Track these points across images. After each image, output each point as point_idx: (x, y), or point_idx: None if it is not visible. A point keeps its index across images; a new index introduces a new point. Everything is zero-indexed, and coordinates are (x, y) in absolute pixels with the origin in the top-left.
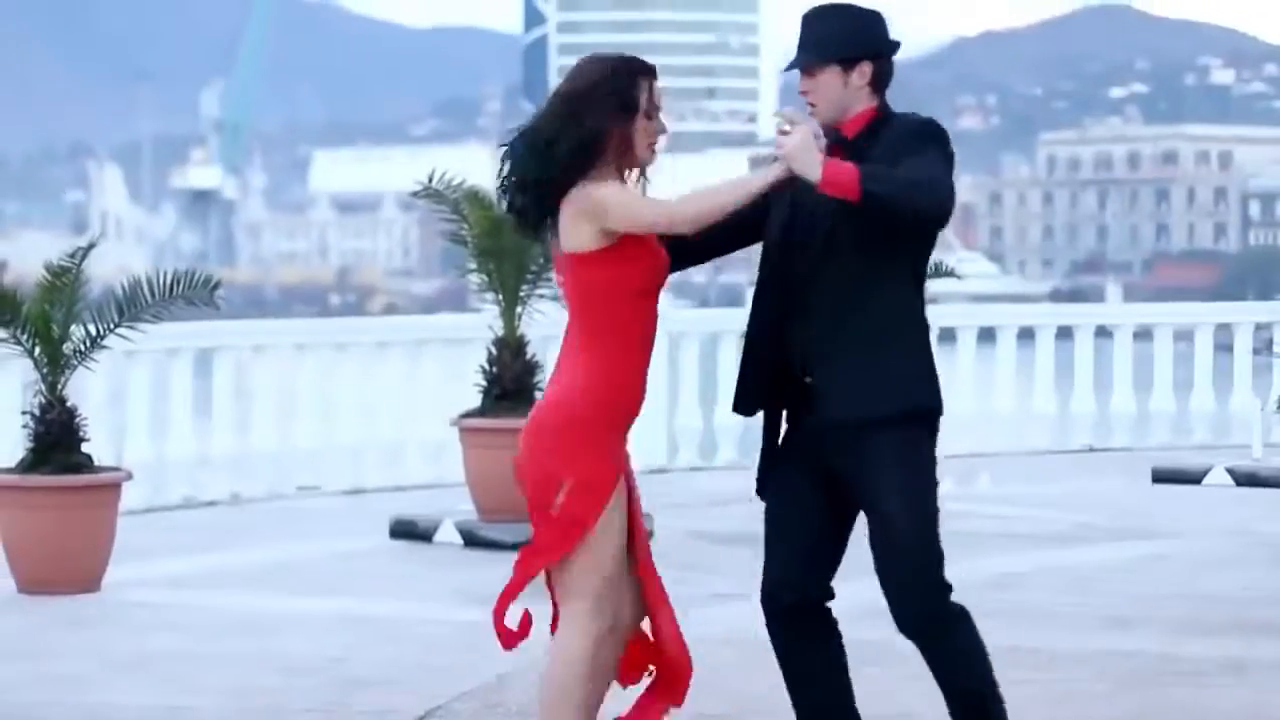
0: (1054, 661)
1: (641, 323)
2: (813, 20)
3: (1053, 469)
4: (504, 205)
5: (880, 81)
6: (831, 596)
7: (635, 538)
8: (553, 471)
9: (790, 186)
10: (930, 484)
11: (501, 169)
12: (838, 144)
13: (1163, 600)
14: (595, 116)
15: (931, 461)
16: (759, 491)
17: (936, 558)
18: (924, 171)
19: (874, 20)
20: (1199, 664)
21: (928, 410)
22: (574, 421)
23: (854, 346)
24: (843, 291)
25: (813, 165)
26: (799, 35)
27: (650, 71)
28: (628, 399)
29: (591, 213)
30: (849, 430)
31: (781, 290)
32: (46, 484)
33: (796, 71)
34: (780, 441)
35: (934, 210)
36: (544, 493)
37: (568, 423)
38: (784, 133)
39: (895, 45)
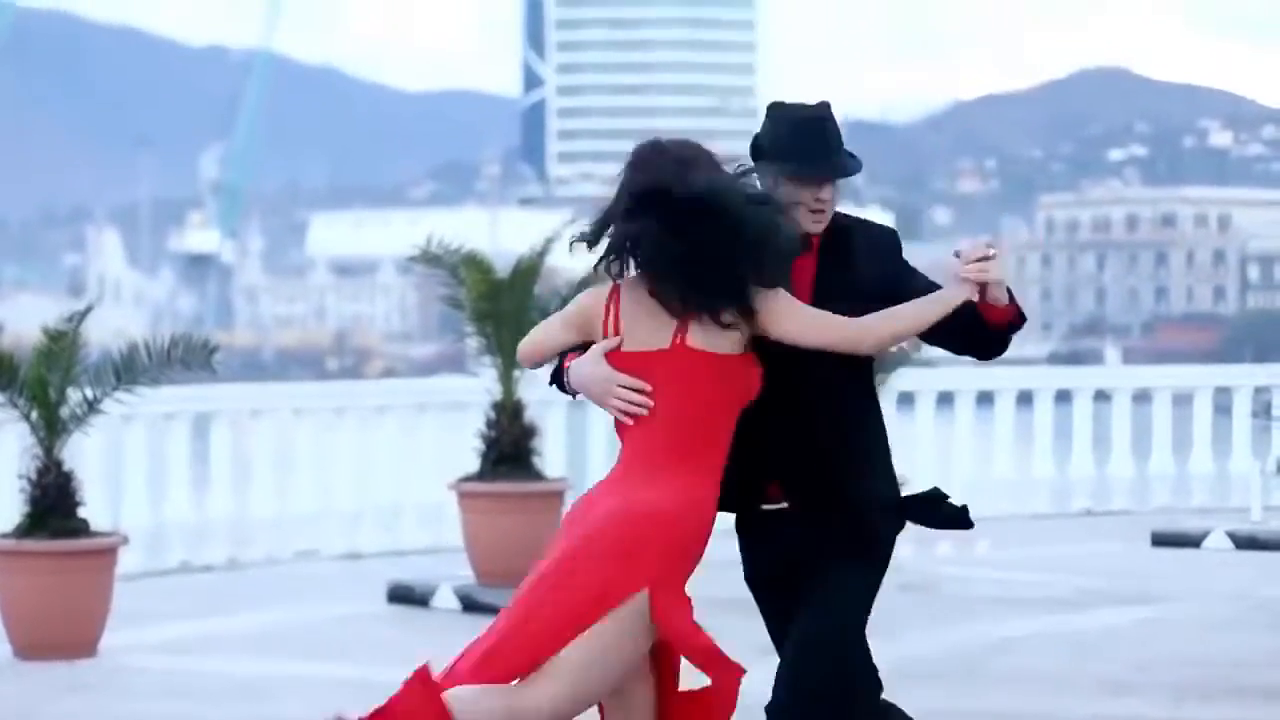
0: None
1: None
2: (827, 124)
3: (1052, 532)
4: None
5: None
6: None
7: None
8: (634, 576)
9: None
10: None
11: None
12: (810, 252)
13: (1162, 664)
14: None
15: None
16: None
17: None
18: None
19: None
20: None
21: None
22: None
23: (866, 453)
24: (845, 398)
25: (1004, 293)
26: (828, 142)
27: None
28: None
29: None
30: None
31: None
32: (43, 548)
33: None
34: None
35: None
36: (611, 590)
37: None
38: (988, 257)
39: None
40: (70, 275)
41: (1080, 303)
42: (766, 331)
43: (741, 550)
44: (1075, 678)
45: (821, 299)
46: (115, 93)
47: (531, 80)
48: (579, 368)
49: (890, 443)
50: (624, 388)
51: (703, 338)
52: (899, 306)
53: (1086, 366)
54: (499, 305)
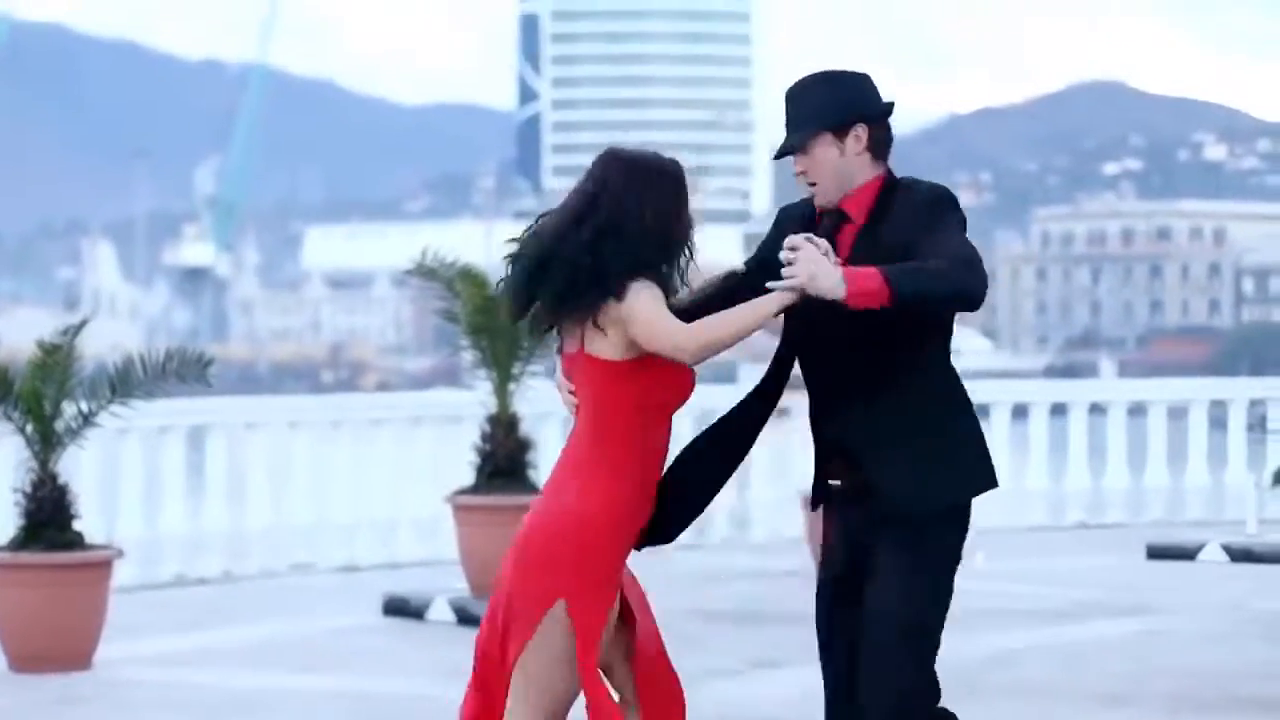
0: None
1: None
2: (797, 96)
3: (1047, 545)
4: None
5: (879, 146)
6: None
7: (632, 627)
8: (550, 588)
9: (801, 299)
10: (945, 579)
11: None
12: (845, 228)
13: (1157, 676)
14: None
15: (954, 555)
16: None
17: (927, 658)
18: (949, 248)
19: (861, 82)
20: None
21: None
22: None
23: (903, 436)
24: (882, 381)
25: (835, 284)
26: (786, 117)
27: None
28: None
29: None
30: (899, 522)
31: (818, 387)
32: (38, 561)
33: (774, 151)
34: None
35: (974, 290)
36: (533, 605)
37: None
38: (789, 262)
39: (889, 106)
40: (65, 288)
41: (1075, 316)
42: (634, 337)
43: (822, 541)
44: (1070, 690)
45: (856, 264)
46: (111, 106)
47: (527, 94)
48: None
49: (965, 428)
50: (561, 387)
51: (593, 343)
52: (724, 312)
53: (1082, 380)
54: (494, 319)
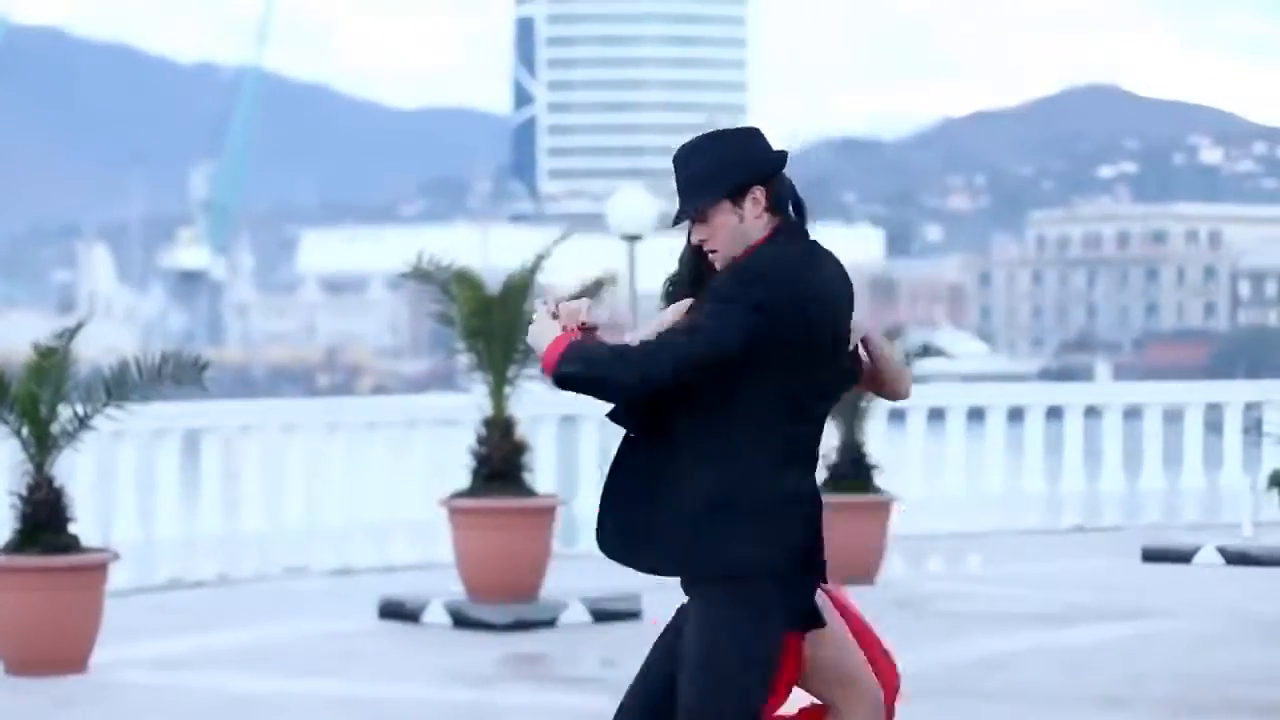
0: None
1: None
2: (688, 159)
3: (1043, 548)
4: None
5: (779, 202)
6: None
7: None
8: None
9: None
10: (720, 652)
11: None
12: None
13: (1154, 679)
14: None
15: (739, 636)
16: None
17: None
18: (670, 333)
19: (751, 140)
20: None
21: (728, 576)
22: None
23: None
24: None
25: (540, 346)
26: (678, 183)
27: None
28: None
29: None
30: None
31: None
32: (33, 564)
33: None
34: None
35: (618, 383)
36: None
37: None
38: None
39: (782, 158)
40: (60, 292)
41: (1071, 319)
42: None
43: None
44: (1066, 693)
45: None
46: (106, 110)
47: (522, 97)
48: None
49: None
50: None
51: None
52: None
53: (1077, 383)
54: (490, 322)
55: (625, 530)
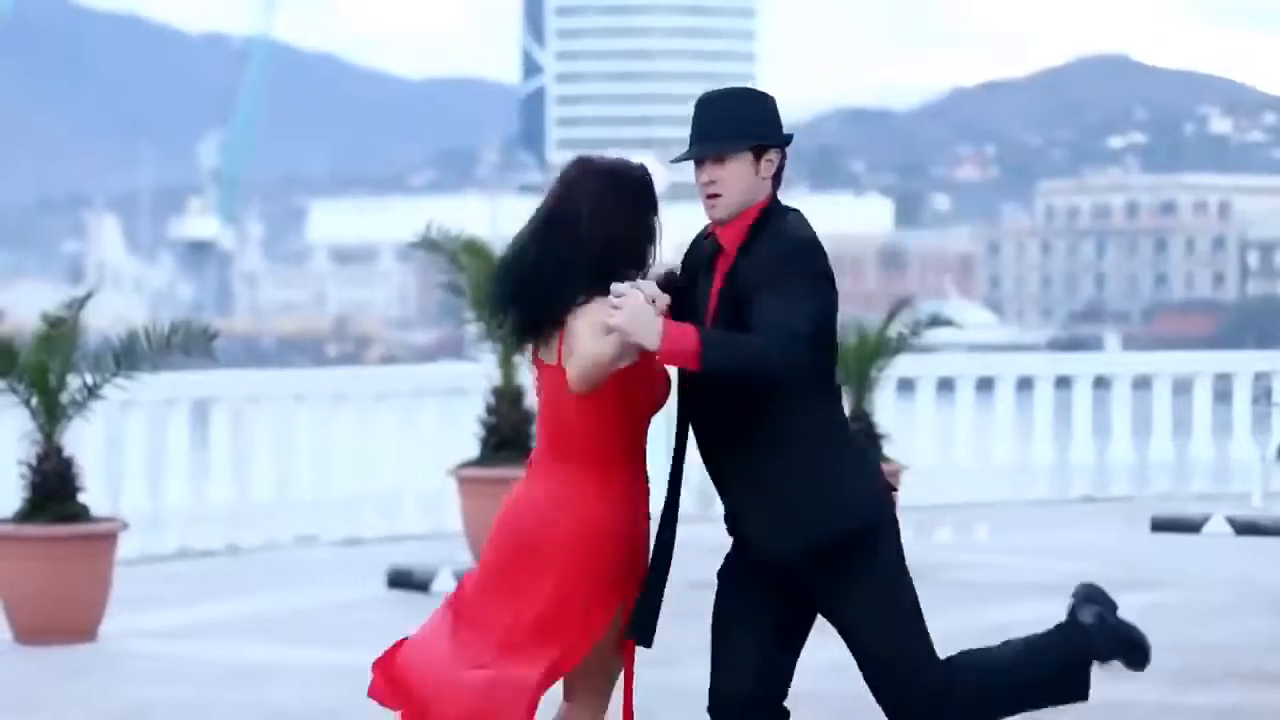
0: (1052, 712)
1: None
2: (717, 103)
3: (1052, 518)
4: None
5: (779, 175)
6: (785, 714)
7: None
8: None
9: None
10: (898, 592)
11: None
12: (720, 257)
13: (1162, 650)
14: None
15: (894, 567)
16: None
17: (923, 664)
18: (780, 316)
19: (776, 106)
20: (1198, 714)
21: (860, 530)
22: None
23: (759, 472)
24: (736, 408)
25: (651, 338)
26: (699, 122)
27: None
28: None
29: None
30: (788, 560)
31: (684, 412)
32: (42, 534)
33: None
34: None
35: (783, 374)
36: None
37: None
38: (615, 307)
39: (790, 137)
40: (70, 262)
41: (1080, 289)
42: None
43: None
44: None
45: (726, 295)
46: (114, 80)
47: (531, 67)
48: None
49: (831, 466)
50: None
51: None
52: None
53: (1087, 353)
54: None
55: (773, 517)
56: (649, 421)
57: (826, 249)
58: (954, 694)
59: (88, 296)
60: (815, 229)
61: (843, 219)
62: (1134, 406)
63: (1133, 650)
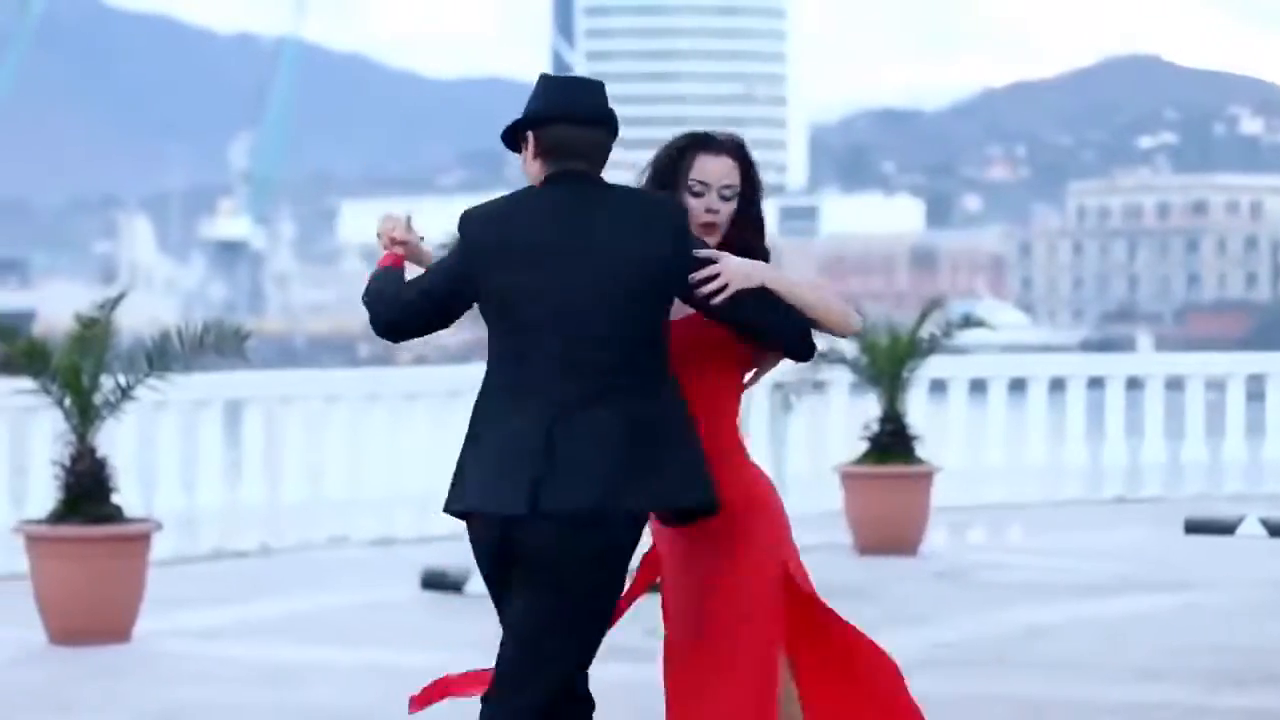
0: (1086, 713)
1: None
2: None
3: (1084, 519)
4: None
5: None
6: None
7: None
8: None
9: None
10: None
11: None
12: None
13: (1195, 651)
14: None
15: None
16: None
17: None
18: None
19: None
20: (1231, 715)
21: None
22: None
23: None
24: None
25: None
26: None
27: (699, 145)
28: None
29: None
30: None
31: None
32: (77, 534)
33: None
34: None
35: (372, 322)
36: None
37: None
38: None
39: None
40: (102, 262)
41: (1112, 290)
42: None
43: None
44: (1107, 664)
45: None
46: (145, 81)
47: (560, 67)
48: None
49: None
50: None
51: None
52: None
53: (1119, 353)
54: None
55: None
56: None
57: (859, 248)
58: None
59: (120, 297)
60: (847, 228)
61: (873, 219)
62: (1167, 407)
63: None
